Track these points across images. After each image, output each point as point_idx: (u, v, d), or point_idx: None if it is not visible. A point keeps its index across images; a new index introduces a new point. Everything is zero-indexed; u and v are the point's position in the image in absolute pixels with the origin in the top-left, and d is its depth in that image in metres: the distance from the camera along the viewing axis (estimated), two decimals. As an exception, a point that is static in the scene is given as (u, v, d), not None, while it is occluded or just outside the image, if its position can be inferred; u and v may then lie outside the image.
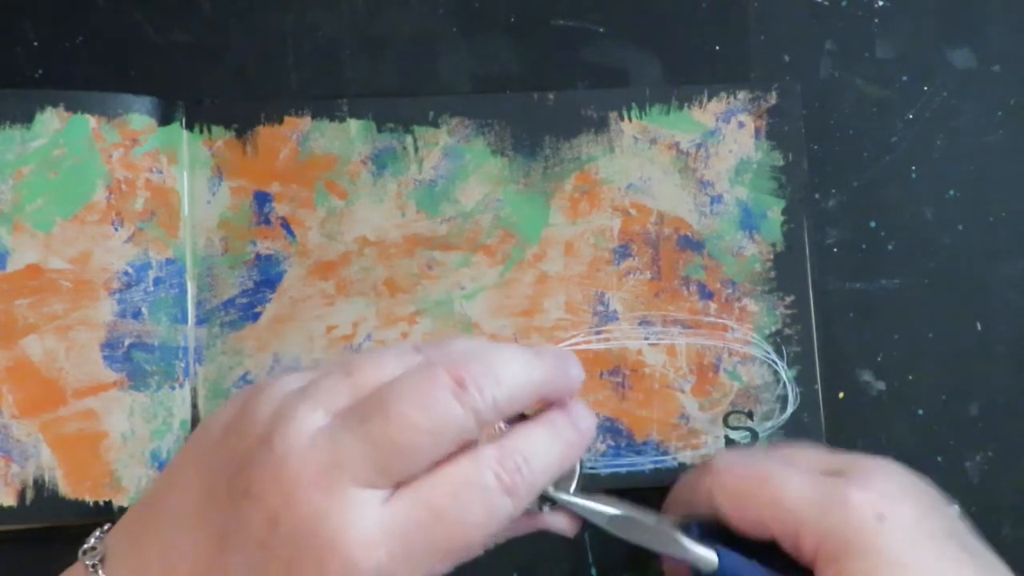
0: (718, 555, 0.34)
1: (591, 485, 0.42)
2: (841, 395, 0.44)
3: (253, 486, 0.29)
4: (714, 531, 0.35)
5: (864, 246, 0.45)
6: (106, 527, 0.33)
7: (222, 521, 0.29)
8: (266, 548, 0.28)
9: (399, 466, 0.29)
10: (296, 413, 0.29)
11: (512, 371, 0.31)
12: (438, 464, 0.30)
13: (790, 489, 0.33)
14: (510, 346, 0.33)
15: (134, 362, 0.41)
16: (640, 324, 0.43)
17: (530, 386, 0.32)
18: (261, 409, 0.30)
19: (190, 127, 0.43)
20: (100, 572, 0.31)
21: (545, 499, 0.33)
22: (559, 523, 0.34)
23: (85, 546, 0.33)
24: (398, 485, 0.29)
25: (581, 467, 0.34)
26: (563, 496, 0.34)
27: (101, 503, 0.40)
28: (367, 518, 0.28)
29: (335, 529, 0.28)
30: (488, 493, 0.30)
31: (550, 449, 0.32)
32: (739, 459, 0.36)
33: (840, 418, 0.44)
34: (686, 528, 0.35)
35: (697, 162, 0.44)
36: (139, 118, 0.42)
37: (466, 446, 0.30)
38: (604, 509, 0.34)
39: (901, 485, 0.34)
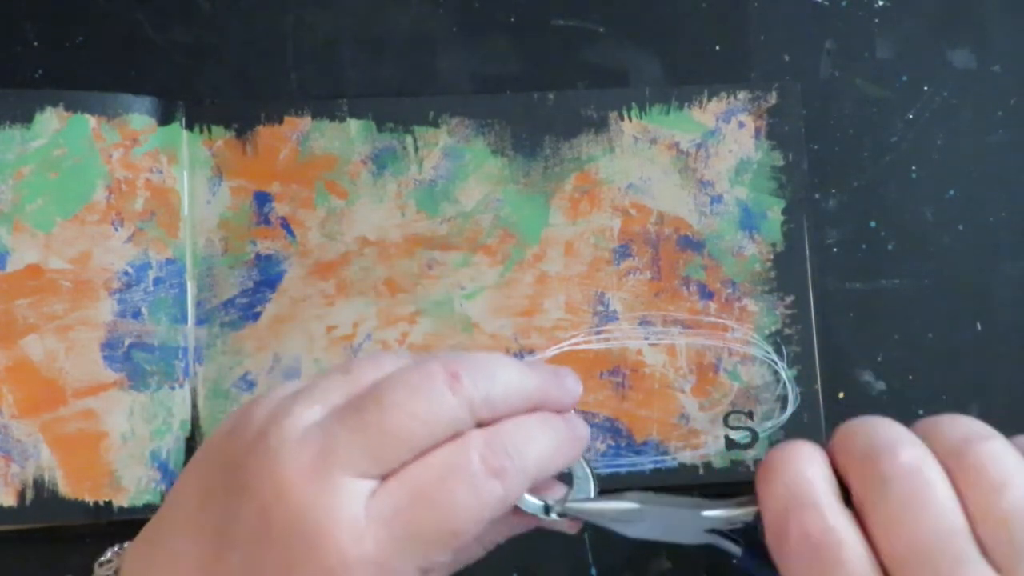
0: (742, 554, 0.33)
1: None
2: (841, 395, 0.44)
3: (248, 482, 0.29)
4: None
5: (864, 246, 0.45)
6: (125, 545, 0.33)
7: (219, 519, 0.29)
8: (260, 542, 0.28)
9: (390, 453, 0.29)
10: (292, 409, 0.30)
11: (506, 373, 0.31)
12: (427, 451, 0.29)
13: None
14: (506, 356, 0.33)
15: (134, 362, 0.41)
16: (640, 324, 0.43)
17: (524, 390, 0.31)
18: (259, 412, 0.31)
19: (190, 127, 0.43)
20: None
21: (550, 508, 0.33)
22: (560, 524, 0.34)
23: (101, 558, 0.33)
24: (389, 474, 0.29)
25: (595, 477, 0.34)
26: (575, 506, 0.33)
27: (101, 503, 0.40)
28: (354, 506, 0.28)
29: (323, 518, 0.28)
30: (474, 476, 0.29)
31: (543, 440, 0.31)
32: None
33: (840, 418, 0.43)
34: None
35: (697, 162, 0.44)
36: (139, 118, 0.42)
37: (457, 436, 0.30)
38: (621, 525, 0.33)
39: None
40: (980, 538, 0.28)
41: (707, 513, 0.33)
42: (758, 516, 0.32)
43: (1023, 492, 0.28)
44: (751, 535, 0.33)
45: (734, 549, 0.33)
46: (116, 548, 0.33)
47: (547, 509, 0.33)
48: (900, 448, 0.29)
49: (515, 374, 0.31)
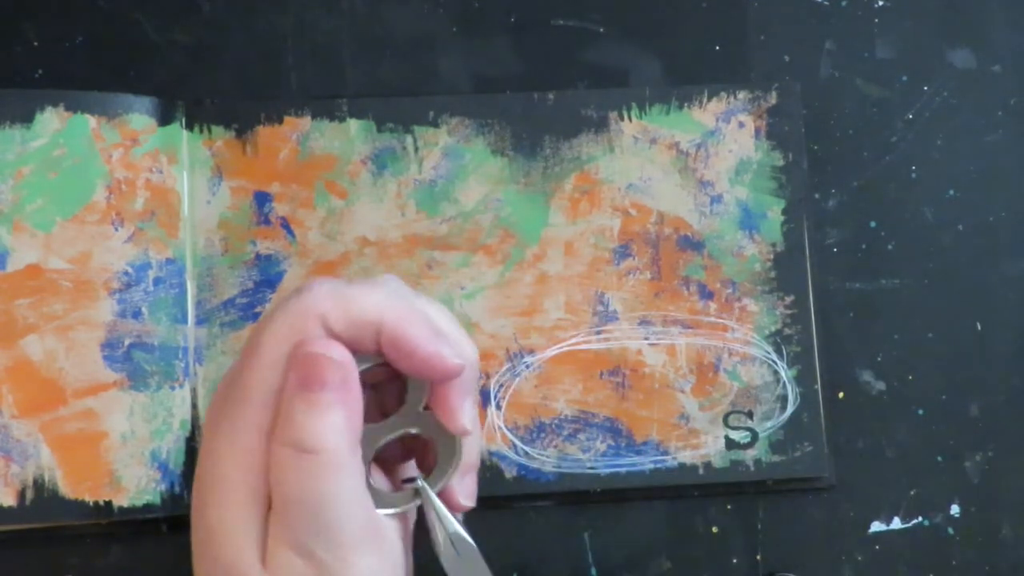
0: None
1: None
2: (841, 395, 0.44)
3: None
4: None
5: (864, 246, 0.45)
6: None
7: None
8: None
9: None
10: None
11: None
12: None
13: None
14: None
15: (134, 362, 0.41)
16: (640, 324, 0.43)
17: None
18: None
19: (190, 127, 0.43)
20: None
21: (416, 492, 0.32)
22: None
23: None
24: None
25: (456, 458, 0.32)
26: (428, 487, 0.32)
27: (101, 503, 0.40)
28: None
29: None
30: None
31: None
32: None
33: (840, 418, 0.44)
34: None
35: (697, 162, 0.44)
36: (139, 118, 0.42)
37: None
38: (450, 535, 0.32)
39: None
40: None
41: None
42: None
43: None
44: None
45: None
46: None
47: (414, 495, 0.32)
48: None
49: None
